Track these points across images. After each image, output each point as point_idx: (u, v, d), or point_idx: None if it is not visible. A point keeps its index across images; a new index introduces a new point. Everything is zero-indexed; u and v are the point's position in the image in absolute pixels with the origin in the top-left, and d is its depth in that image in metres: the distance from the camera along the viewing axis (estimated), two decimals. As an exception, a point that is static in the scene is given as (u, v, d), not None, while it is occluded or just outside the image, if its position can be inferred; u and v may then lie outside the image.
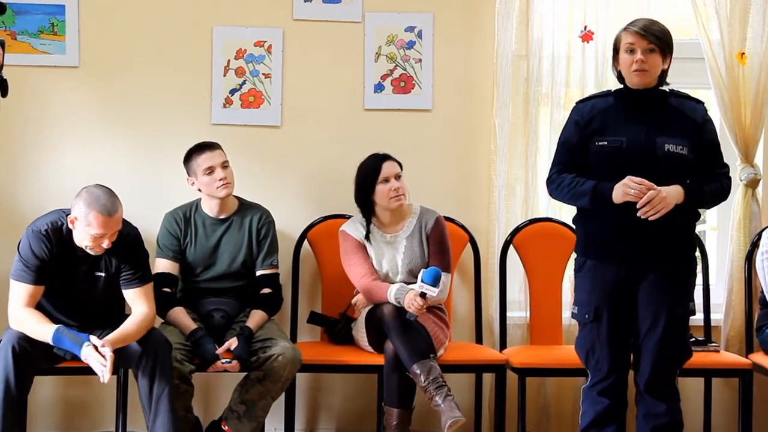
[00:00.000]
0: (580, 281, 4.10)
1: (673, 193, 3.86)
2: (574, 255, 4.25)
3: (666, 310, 3.94)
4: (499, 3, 4.97)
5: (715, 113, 4.82)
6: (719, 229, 5.25)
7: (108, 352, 3.90)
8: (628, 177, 3.85)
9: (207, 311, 4.52)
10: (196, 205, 4.64)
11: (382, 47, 5.02)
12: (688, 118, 3.98)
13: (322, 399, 5.09)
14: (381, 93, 5.03)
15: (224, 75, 4.96)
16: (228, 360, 4.31)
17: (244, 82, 4.98)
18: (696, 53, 4.96)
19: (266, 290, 4.58)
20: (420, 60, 5.03)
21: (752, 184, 5.00)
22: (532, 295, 4.95)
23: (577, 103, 4.17)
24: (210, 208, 4.61)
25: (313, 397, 5.07)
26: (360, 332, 4.58)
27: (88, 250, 4.08)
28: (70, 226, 4.07)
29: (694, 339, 4.53)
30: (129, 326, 4.09)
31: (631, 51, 3.94)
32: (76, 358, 3.99)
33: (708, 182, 3.97)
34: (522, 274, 5.01)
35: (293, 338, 4.81)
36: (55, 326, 4.00)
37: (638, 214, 3.83)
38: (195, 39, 4.96)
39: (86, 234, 4.02)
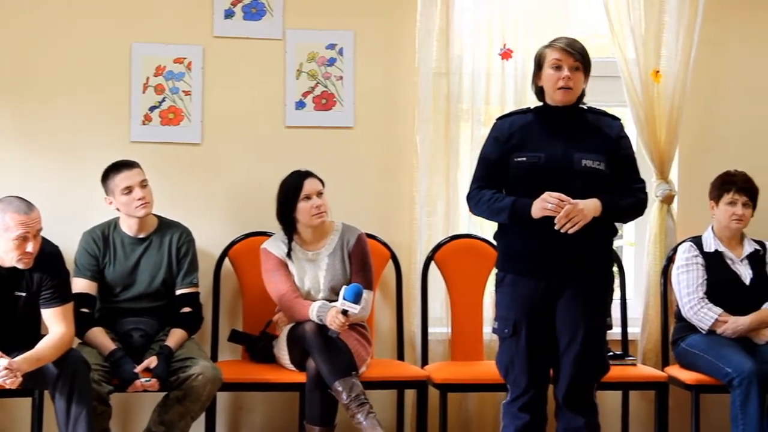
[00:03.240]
0: (500, 296, 4.12)
1: (590, 206, 3.91)
2: (495, 270, 4.29)
3: (584, 325, 3.98)
4: (420, 21, 5.01)
5: (631, 131, 4.89)
6: (636, 244, 5.34)
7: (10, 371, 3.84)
8: (546, 192, 3.90)
9: (126, 331, 4.46)
10: (114, 224, 4.58)
11: (304, 64, 5.02)
12: (604, 134, 4.04)
13: (244, 418, 5.05)
14: (302, 110, 5.03)
15: (143, 92, 4.91)
16: (147, 379, 4.26)
17: (163, 100, 4.93)
18: (612, 71, 5.05)
19: (186, 309, 4.53)
20: (341, 77, 5.04)
21: (667, 200, 5.10)
22: (454, 311, 4.98)
23: (497, 120, 4.21)
24: (129, 227, 4.55)
25: (234, 416, 5.03)
26: (282, 350, 4.56)
27: (15, 263, 3.99)
28: None
29: (611, 353, 4.61)
30: (44, 347, 4.01)
31: (558, 68, 3.98)
32: None
33: (624, 197, 4.03)
34: (443, 291, 5.03)
35: (214, 357, 4.77)
36: None
37: (556, 228, 3.89)
38: (113, 55, 4.90)
39: (9, 242, 3.94)
